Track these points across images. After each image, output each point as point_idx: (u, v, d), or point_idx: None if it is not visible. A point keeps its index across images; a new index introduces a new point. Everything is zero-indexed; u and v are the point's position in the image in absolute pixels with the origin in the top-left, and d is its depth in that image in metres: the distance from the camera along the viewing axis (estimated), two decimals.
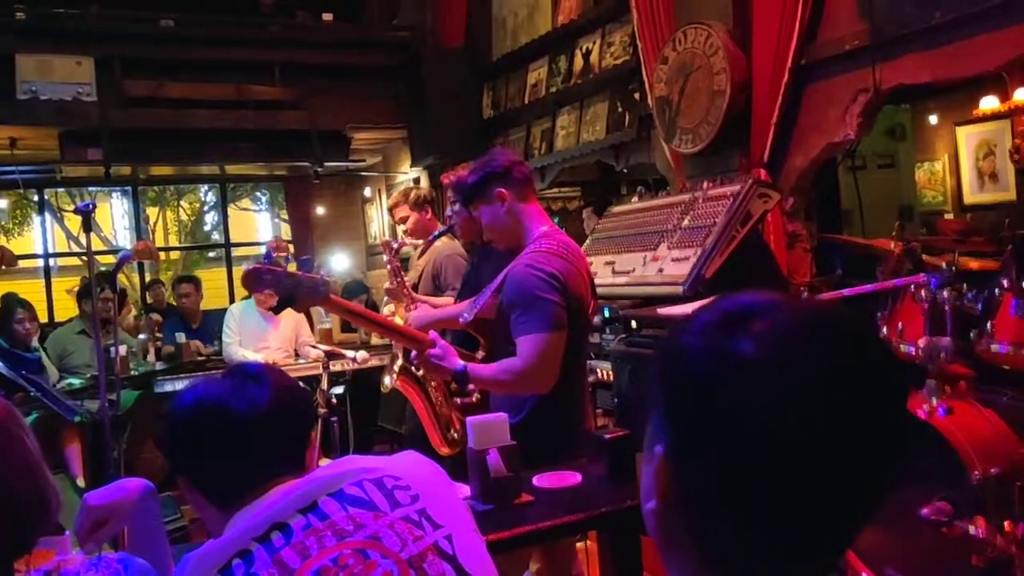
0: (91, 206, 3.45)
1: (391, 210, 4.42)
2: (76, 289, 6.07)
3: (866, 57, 3.46)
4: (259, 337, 5.35)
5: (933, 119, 7.98)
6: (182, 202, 16.42)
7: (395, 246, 3.61)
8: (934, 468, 2.80)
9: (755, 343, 0.66)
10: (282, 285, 2.36)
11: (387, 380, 2.88)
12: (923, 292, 3.00)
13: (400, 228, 4.37)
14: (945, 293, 2.95)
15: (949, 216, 7.45)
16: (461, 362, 2.44)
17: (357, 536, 1.18)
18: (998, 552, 2.54)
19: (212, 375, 1.38)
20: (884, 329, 3.22)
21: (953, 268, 3.05)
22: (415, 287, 3.95)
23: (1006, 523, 2.60)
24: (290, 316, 5.43)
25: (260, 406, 1.28)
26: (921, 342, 3.01)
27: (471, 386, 2.54)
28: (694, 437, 0.68)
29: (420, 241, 4.04)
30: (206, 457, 1.30)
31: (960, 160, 7.68)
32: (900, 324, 3.15)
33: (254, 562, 1.15)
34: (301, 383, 4.76)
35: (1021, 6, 2.93)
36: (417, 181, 7.44)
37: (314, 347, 4.50)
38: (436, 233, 3.72)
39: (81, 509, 1.44)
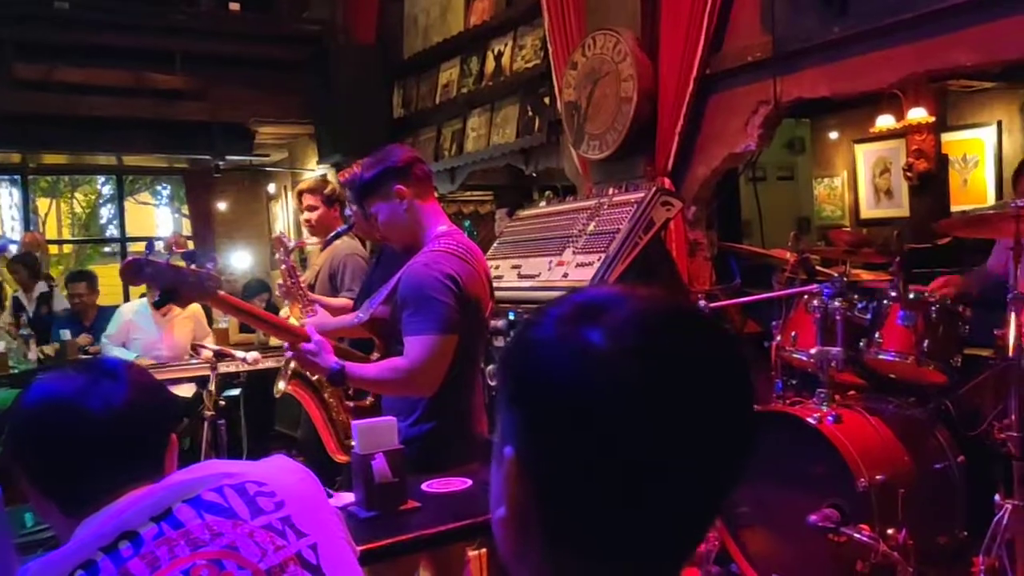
0: None
1: (300, 193, 4.25)
2: None
3: (768, 69, 3.52)
4: (152, 344, 5.10)
5: (832, 135, 8.25)
6: (76, 193, 15.73)
7: (290, 245, 3.48)
8: (823, 475, 2.85)
9: (606, 334, 0.64)
10: (164, 278, 2.23)
11: (280, 384, 2.77)
12: (815, 301, 3.06)
13: (303, 216, 4.22)
14: (837, 303, 3.01)
15: (844, 229, 7.70)
16: (336, 360, 2.32)
17: (213, 546, 1.10)
18: (881, 558, 2.60)
19: (65, 370, 1.27)
20: (779, 337, 3.28)
21: (844, 278, 3.11)
22: (311, 287, 3.83)
23: (890, 529, 2.67)
24: (187, 319, 5.19)
25: (115, 405, 1.19)
26: (813, 350, 3.08)
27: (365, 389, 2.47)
28: (544, 434, 0.65)
29: (315, 240, 3.92)
30: (52, 459, 1.20)
31: (858, 176, 7.97)
32: (793, 332, 3.21)
33: (98, 573, 1.07)
34: (193, 384, 4.58)
35: (916, 25, 3.02)
36: (324, 179, 7.29)
37: (203, 347, 4.31)
38: (336, 232, 3.62)
39: None
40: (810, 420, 2.87)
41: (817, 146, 8.48)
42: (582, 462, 0.63)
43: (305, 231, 4.27)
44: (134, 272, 2.27)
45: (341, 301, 3.75)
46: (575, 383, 0.63)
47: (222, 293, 2.43)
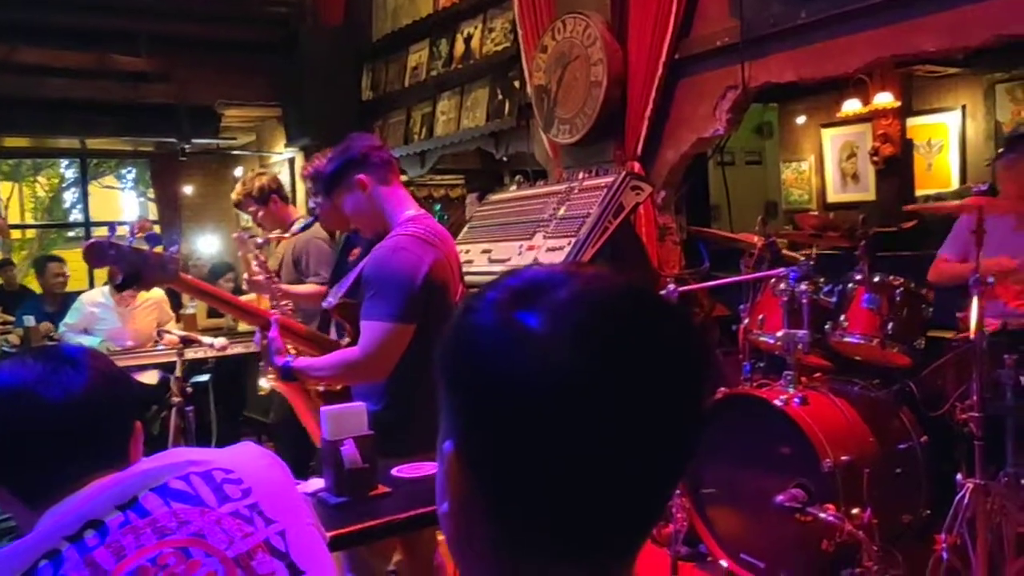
0: None
1: (238, 207, 4.28)
2: None
3: (735, 54, 3.53)
4: (115, 332, 5.00)
5: (800, 119, 8.32)
6: (39, 177, 15.44)
7: (258, 241, 3.44)
8: (789, 456, 2.90)
9: (543, 318, 0.60)
10: (126, 261, 2.20)
11: (263, 382, 2.76)
12: (782, 285, 3.10)
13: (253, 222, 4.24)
14: (803, 286, 3.05)
15: (811, 213, 7.79)
16: (286, 357, 2.35)
17: (180, 534, 1.10)
18: (847, 537, 2.64)
19: (22, 357, 1.24)
20: (746, 320, 3.31)
21: (811, 262, 3.15)
22: (276, 275, 3.82)
23: (855, 509, 2.71)
24: (151, 307, 5.10)
25: (75, 393, 1.17)
26: (779, 333, 3.11)
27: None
28: (483, 426, 0.62)
29: (280, 232, 3.88)
30: (12, 449, 1.17)
31: (824, 160, 8.04)
32: (761, 315, 3.25)
33: (63, 563, 1.05)
34: (159, 371, 4.53)
35: (881, 10, 3.04)
36: (292, 162, 7.23)
37: (170, 333, 4.26)
38: (302, 224, 3.59)
39: None
40: (777, 402, 2.91)
41: (785, 130, 8.55)
42: (522, 455, 0.60)
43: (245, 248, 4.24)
44: (97, 255, 2.24)
45: (309, 288, 3.74)
46: (512, 371, 0.60)
47: (185, 276, 2.42)
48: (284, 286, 3.69)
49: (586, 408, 0.59)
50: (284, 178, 7.42)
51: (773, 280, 3.18)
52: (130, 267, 2.24)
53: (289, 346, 2.46)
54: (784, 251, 3.48)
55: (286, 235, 3.74)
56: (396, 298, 2.23)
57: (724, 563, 3.08)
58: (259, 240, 3.44)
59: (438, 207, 7.61)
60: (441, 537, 2.67)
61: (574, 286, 0.63)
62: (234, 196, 4.22)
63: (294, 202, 7.19)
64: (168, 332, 4.19)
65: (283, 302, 3.21)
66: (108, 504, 1.11)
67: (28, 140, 8.32)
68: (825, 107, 7.63)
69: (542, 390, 0.59)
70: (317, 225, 3.88)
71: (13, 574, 1.05)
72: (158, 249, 2.39)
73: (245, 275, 3.90)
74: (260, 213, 4.12)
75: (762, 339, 3.24)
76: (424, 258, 2.28)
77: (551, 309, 0.61)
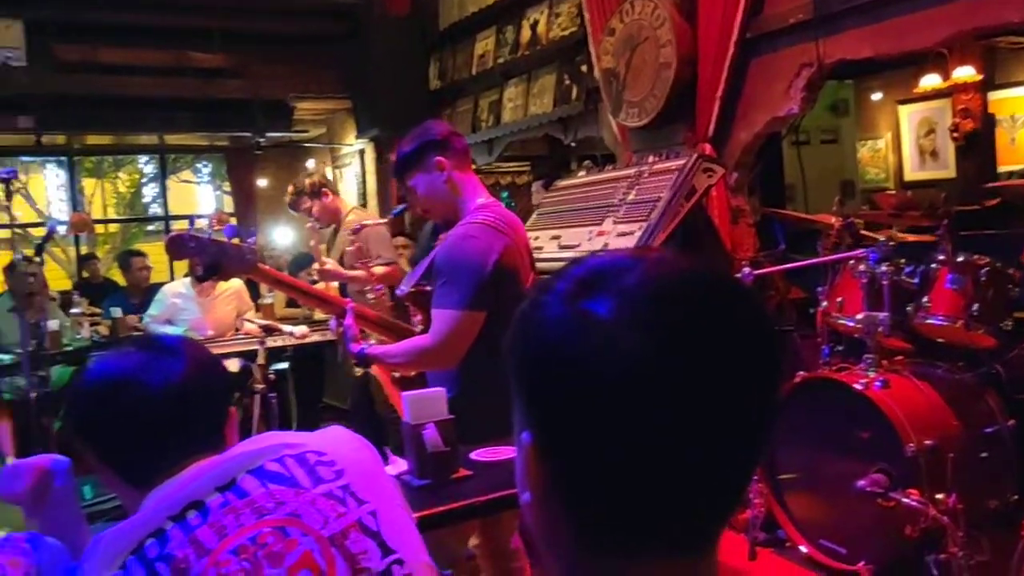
0: (13, 174, 3.30)
1: (293, 208, 4.51)
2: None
3: (810, 31, 3.46)
4: (196, 322, 5.16)
5: (876, 96, 8.09)
6: (120, 173, 15.95)
7: (356, 227, 3.53)
8: (870, 440, 2.84)
9: (611, 305, 0.60)
10: (207, 252, 2.28)
11: (356, 370, 2.83)
12: (862, 266, 3.03)
13: (310, 222, 4.46)
14: (883, 267, 2.98)
15: (889, 192, 7.58)
16: (361, 344, 2.40)
17: (277, 514, 1.14)
18: (931, 522, 2.59)
19: (125, 347, 1.31)
20: (825, 303, 3.25)
21: (891, 243, 3.08)
22: (340, 261, 4.03)
23: (939, 494, 2.65)
24: (230, 296, 5.26)
25: (174, 380, 1.22)
26: (859, 316, 3.05)
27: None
28: (555, 416, 0.62)
29: (376, 220, 4.03)
30: (117, 433, 1.23)
31: (902, 138, 7.81)
32: (840, 298, 3.19)
33: (168, 542, 1.10)
34: (240, 359, 4.66)
35: None
36: (362, 153, 7.33)
37: (251, 322, 4.39)
38: (398, 209, 3.68)
39: (12, 473, 1.37)
40: (857, 386, 2.86)
41: (860, 108, 8.32)
42: (596, 445, 0.59)
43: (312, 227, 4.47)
44: (178, 247, 2.32)
45: (384, 269, 3.89)
46: (582, 362, 0.59)
47: (262, 265, 2.49)
48: (354, 272, 3.89)
49: (658, 396, 0.58)
50: (355, 168, 7.54)
51: (852, 262, 3.12)
52: (210, 258, 2.32)
53: (372, 336, 2.52)
54: (863, 231, 3.40)
55: (383, 221, 3.87)
56: (466, 286, 2.25)
57: (804, 549, 3.05)
58: (356, 226, 3.53)
59: (505, 194, 7.63)
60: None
61: (641, 272, 0.62)
62: (288, 198, 4.45)
63: (365, 191, 7.32)
64: (249, 321, 4.33)
65: (375, 286, 3.29)
66: (209, 486, 1.16)
67: (110, 138, 8.62)
68: (902, 83, 7.40)
69: (613, 379, 0.58)
70: (366, 212, 4.02)
71: (123, 551, 1.11)
72: (236, 241, 2.47)
73: (315, 264, 4.07)
74: (315, 208, 4.36)
75: (841, 322, 3.19)
76: (494, 246, 2.29)
77: (619, 296, 0.60)
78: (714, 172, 3.51)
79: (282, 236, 8.50)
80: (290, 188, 4.49)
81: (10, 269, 5.34)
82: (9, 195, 3.20)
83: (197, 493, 1.15)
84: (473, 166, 2.83)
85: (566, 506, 0.64)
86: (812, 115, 5.18)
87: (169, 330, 4.97)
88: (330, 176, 8.06)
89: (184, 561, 1.09)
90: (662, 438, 0.59)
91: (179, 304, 5.15)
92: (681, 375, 0.58)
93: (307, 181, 4.45)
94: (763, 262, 3.63)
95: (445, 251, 2.34)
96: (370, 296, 3.16)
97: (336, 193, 4.60)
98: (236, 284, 5.22)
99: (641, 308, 0.60)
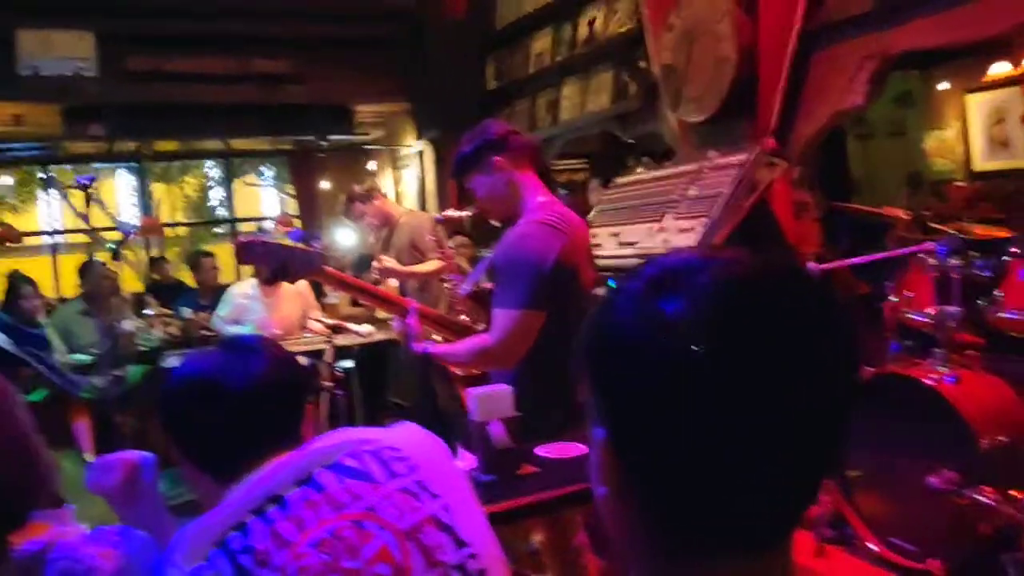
0: (91, 180, 3.43)
1: (348, 216, 4.77)
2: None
3: (873, 22, 3.40)
4: (263, 322, 5.28)
5: (943, 86, 7.88)
6: (187, 178, 16.38)
7: (438, 217, 3.59)
8: (942, 437, 2.79)
9: (683, 305, 0.60)
10: (275, 257, 2.35)
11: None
12: (931, 260, 2.97)
13: (367, 227, 4.72)
14: (954, 261, 2.92)
15: (959, 184, 7.39)
16: (424, 343, 2.44)
17: (353, 508, 1.18)
18: (1005, 520, 2.53)
19: (209, 348, 1.37)
20: (893, 298, 3.19)
21: (962, 236, 3.01)
22: (398, 261, 4.19)
23: (1014, 491, 2.59)
24: (295, 296, 5.38)
25: (255, 379, 1.27)
26: (929, 310, 2.99)
27: None
28: (628, 414, 0.63)
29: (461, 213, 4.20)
30: (201, 431, 1.29)
31: (970, 127, 7.60)
32: (909, 292, 3.13)
33: (250, 534, 1.14)
34: (306, 357, 4.76)
35: None
36: (422, 154, 7.41)
37: (319, 321, 4.50)
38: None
39: (103, 468, 1.43)
40: (928, 381, 2.80)
41: (927, 98, 8.12)
42: (668, 444, 0.60)
43: (374, 235, 4.76)
44: (247, 252, 2.40)
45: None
46: (651, 361, 0.60)
47: (328, 268, 2.55)
48: (411, 268, 4.10)
49: (731, 395, 0.58)
50: (414, 169, 7.63)
51: (921, 255, 3.06)
52: (278, 263, 2.38)
53: (436, 336, 2.56)
54: (932, 224, 3.33)
55: (467, 213, 3.98)
56: (525, 286, 2.26)
57: (873, 546, 3.00)
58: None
59: (563, 192, 7.63)
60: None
61: (713, 271, 0.62)
62: (341, 207, 4.66)
63: (424, 191, 7.40)
64: (317, 320, 4.44)
65: (452, 279, 3.34)
66: (287, 480, 1.20)
67: (177, 144, 8.86)
68: (970, 71, 7.19)
69: (682, 379, 0.59)
70: (416, 209, 4.14)
71: (207, 543, 1.15)
72: (302, 244, 2.54)
73: (374, 264, 4.19)
74: (368, 212, 4.58)
75: (910, 316, 3.13)
76: (553, 245, 2.29)
77: (690, 297, 0.60)
78: (777, 166, 3.48)
79: (344, 237, 8.63)
80: (343, 198, 4.69)
81: (84, 273, 5.55)
82: (89, 201, 3.32)
83: (277, 487, 1.19)
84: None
85: (638, 502, 0.65)
86: (877, 107, 5.08)
87: (236, 329, 5.10)
88: (390, 178, 8.19)
89: (265, 553, 1.13)
90: (731, 437, 0.59)
91: (246, 304, 5.27)
92: (751, 375, 0.59)
93: (357, 189, 4.67)
94: (828, 257, 3.57)
95: (504, 251, 2.36)
96: (447, 285, 3.22)
97: (386, 197, 4.79)
98: (300, 283, 5.33)
99: (712, 309, 0.60)
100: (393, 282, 4.60)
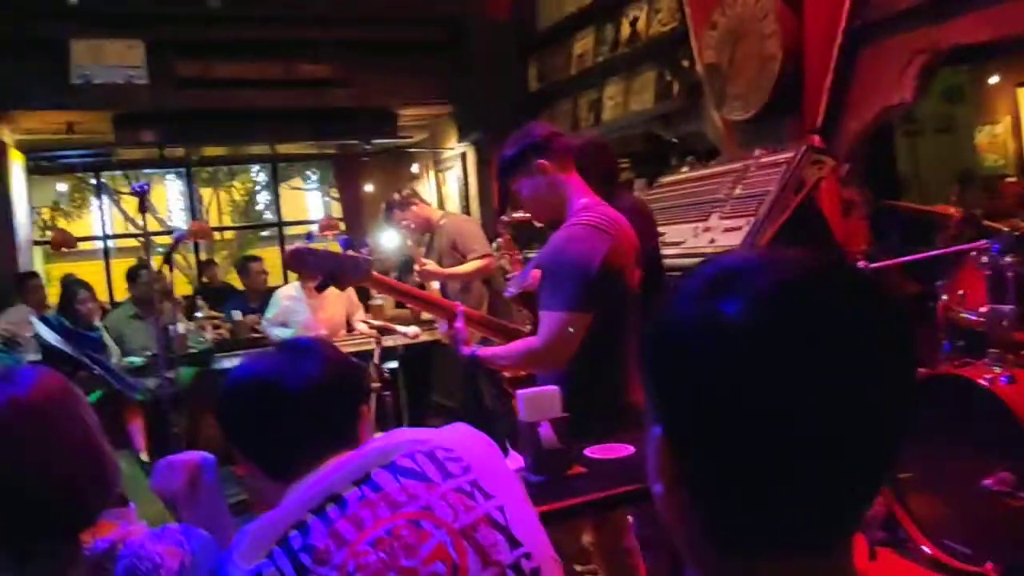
0: (146, 187, 3.51)
1: (389, 223, 4.88)
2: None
3: (922, 17, 3.35)
4: (308, 323, 5.35)
5: (993, 80, 7.71)
6: (234, 182, 16.64)
7: (505, 219, 3.58)
8: (996, 438, 2.74)
9: (741, 306, 0.60)
10: (324, 265, 2.38)
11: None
12: (985, 258, 2.92)
13: (407, 232, 4.82)
14: (1008, 259, 2.87)
15: (1011, 180, 7.22)
16: (471, 347, 2.45)
17: (410, 507, 1.19)
18: None
19: (267, 350, 1.40)
20: (945, 296, 3.15)
21: (1016, 233, 2.95)
22: (440, 263, 4.25)
23: None
24: (339, 297, 5.44)
25: (313, 380, 1.30)
26: (983, 309, 2.94)
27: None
28: (685, 413, 0.63)
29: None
30: (260, 432, 1.32)
31: (1022, 122, 7.43)
32: (961, 291, 3.08)
33: (310, 533, 1.17)
34: (354, 359, 4.82)
35: None
36: (464, 157, 7.45)
37: (366, 323, 4.57)
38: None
39: (167, 469, 1.47)
40: (982, 381, 2.76)
41: (977, 93, 7.95)
42: (725, 443, 0.61)
43: (414, 239, 4.85)
44: (298, 260, 2.44)
45: (473, 265, 4.37)
46: (709, 360, 0.60)
47: (376, 274, 2.57)
48: (452, 270, 4.24)
49: (788, 395, 0.58)
50: (457, 172, 7.67)
51: (974, 253, 3.01)
52: (327, 270, 2.42)
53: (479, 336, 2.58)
54: (984, 221, 3.27)
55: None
56: (572, 288, 2.26)
57: (926, 549, 2.96)
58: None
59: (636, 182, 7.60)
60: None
61: (774, 272, 0.62)
62: (382, 215, 4.74)
63: (467, 193, 7.43)
64: (364, 322, 4.51)
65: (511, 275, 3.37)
66: (345, 480, 1.22)
67: (224, 149, 9.00)
68: (1021, 65, 7.04)
69: (740, 379, 0.59)
70: (456, 212, 4.18)
71: (269, 542, 1.18)
72: (351, 251, 2.57)
73: (416, 267, 4.25)
74: (408, 218, 4.65)
75: (963, 316, 3.08)
76: (598, 247, 2.28)
77: (751, 297, 0.60)
78: (823, 164, 3.44)
79: (388, 240, 8.71)
80: (383, 206, 4.78)
81: (133, 277, 5.67)
82: (144, 207, 3.40)
83: (335, 487, 1.21)
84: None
85: (694, 500, 0.65)
86: (926, 103, 5.00)
87: (283, 331, 5.18)
88: (432, 180, 8.23)
89: (325, 552, 1.15)
90: (789, 438, 0.59)
91: (291, 306, 5.35)
92: (809, 376, 0.59)
93: (396, 196, 4.77)
94: (878, 256, 3.53)
95: (550, 253, 2.37)
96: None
97: (424, 202, 4.88)
98: None
99: (771, 309, 0.60)
100: (434, 285, 4.64)
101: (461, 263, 4.41)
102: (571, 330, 2.27)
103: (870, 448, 0.62)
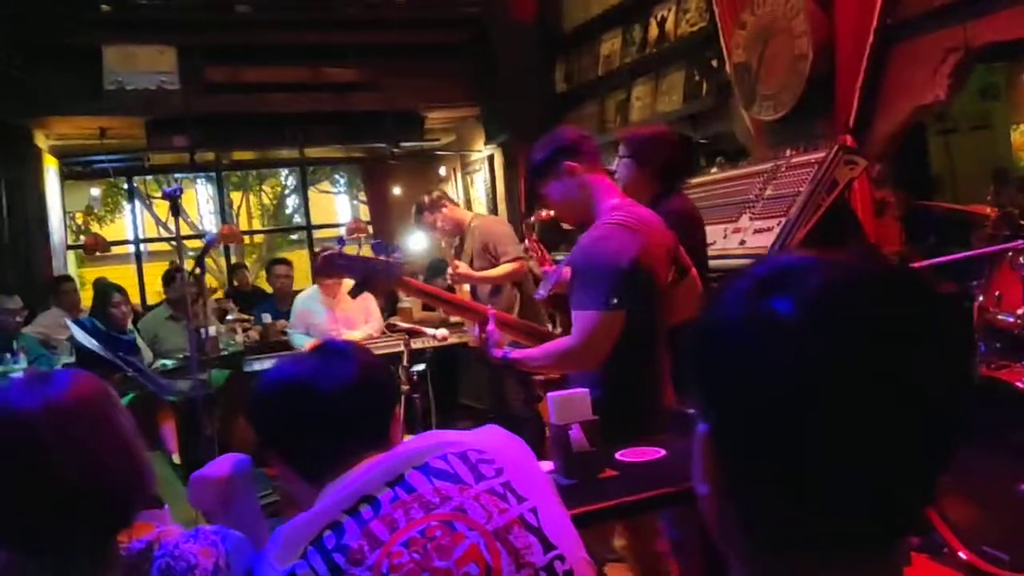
0: (178, 191, 3.55)
1: (419, 225, 4.81)
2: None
3: (956, 14, 3.31)
4: (327, 324, 5.35)
5: None
6: (264, 186, 16.77)
7: (531, 220, 3.54)
8: None
9: (792, 306, 0.60)
10: (356, 270, 2.39)
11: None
12: (1021, 259, 2.88)
13: (440, 236, 4.80)
14: None
15: None
16: (503, 350, 2.44)
17: (443, 508, 1.20)
18: None
19: (299, 353, 1.41)
20: (981, 298, 3.10)
21: None
22: (470, 266, 4.24)
23: None
24: (354, 302, 5.42)
25: (346, 383, 1.30)
26: (1020, 311, 2.90)
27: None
28: (732, 412, 0.63)
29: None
30: (295, 433, 1.32)
31: None
32: (997, 292, 3.04)
33: (344, 533, 1.17)
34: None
35: None
36: (491, 159, 7.45)
37: (395, 325, 4.58)
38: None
39: (202, 485, 1.48)
40: (1019, 384, 2.71)
41: (1013, 91, 7.83)
42: (772, 444, 0.60)
43: (445, 241, 4.83)
44: (329, 265, 2.45)
45: (505, 268, 4.33)
46: (762, 361, 0.60)
47: (407, 278, 2.58)
48: (485, 273, 4.26)
49: (840, 397, 0.58)
50: (484, 174, 7.68)
51: (1011, 254, 2.96)
52: (359, 274, 2.43)
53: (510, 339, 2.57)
54: (1020, 221, 3.22)
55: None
56: (604, 287, 2.25)
57: (962, 555, 2.91)
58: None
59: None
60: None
61: (825, 273, 0.62)
62: (412, 217, 4.71)
63: (495, 195, 7.44)
64: (396, 325, 4.53)
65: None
66: (379, 481, 1.23)
67: (254, 153, 9.09)
68: None
69: (793, 380, 0.59)
70: (487, 214, 4.15)
71: (303, 542, 1.19)
72: (382, 256, 2.57)
73: (449, 270, 4.24)
74: (439, 220, 4.60)
75: (1000, 317, 3.03)
76: (628, 246, 2.28)
77: (801, 297, 0.60)
78: (856, 164, 3.41)
79: (416, 243, 8.73)
80: (413, 208, 4.75)
81: (169, 280, 5.73)
82: (176, 211, 3.44)
83: (368, 488, 1.22)
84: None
85: (741, 500, 0.65)
86: (960, 101, 4.93)
87: (303, 339, 5.18)
88: (460, 183, 8.25)
89: (359, 552, 1.16)
90: (837, 438, 0.58)
91: (309, 307, 5.37)
92: (865, 377, 0.58)
93: (426, 198, 4.70)
94: (912, 256, 3.48)
95: (581, 253, 2.36)
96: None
97: (455, 203, 4.82)
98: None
99: (821, 310, 0.60)
100: (464, 287, 4.64)
101: (493, 265, 4.39)
102: (606, 328, 2.25)
103: (923, 449, 0.61)
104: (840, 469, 0.59)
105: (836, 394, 0.58)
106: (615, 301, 2.25)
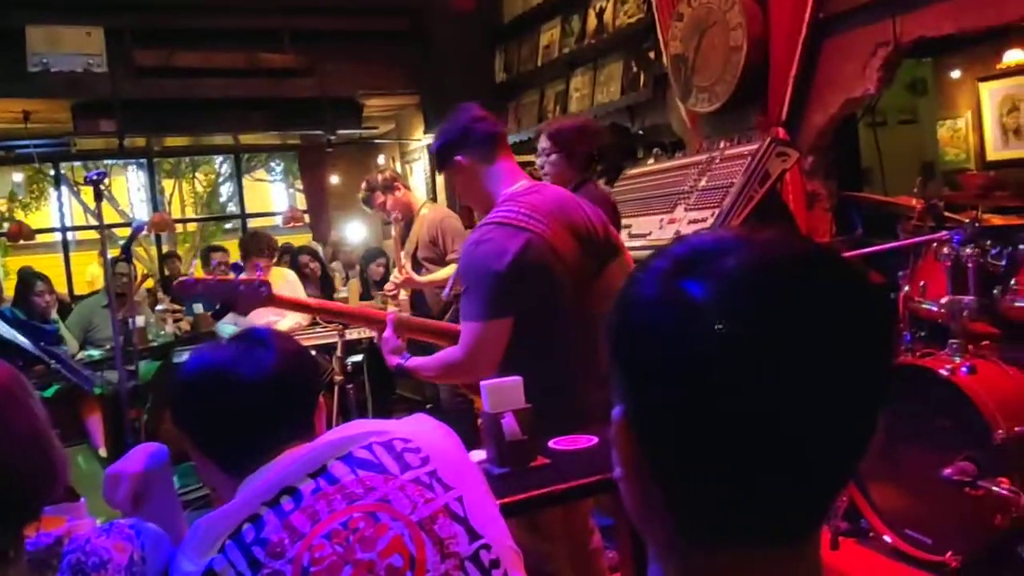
0: (102, 175, 3.43)
1: (367, 203, 4.58)
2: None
3: (886, 9, 3.38)
4: (253, 318, 5.24)
5: (955, 74, 7.81)
6: (197, 174, 16.42)
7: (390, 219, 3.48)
8: (957, 428, 2.77)
9: (706, 286, 0.58)
10: (215, 293, 2.33)
11: None
12: (945, 249, 2.95)
13: (389, 217, 4.52)
14: (968, 250, 2.90)
15: (973, 172, 7.32)
16: (399, 358, 2.37)
17: (367, 499, 1.17)
18: (1021, 512, 2.51)
19: (220, 341, 1.36)
20: (906, 287, 3.17)
21: (976, 224, 2.98)
22: (414, 255, 4.10)
23: None
24: (282, 286, 5.29)
25: (266, 371, 1.26)
26: (943, 300, 2.97)
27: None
28: (647, 394, 0.61)
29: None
30: (213, 423, 1.28)
31: (983, 116, 7.53)
32: (922, 282, 3.11)
33: (264, 526, 1.14)
34: (316, 351, 4.76)
35: None
36: (431, 148, 7.39)
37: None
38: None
39: (113, 481, 1.42)
40: (943, 372, 2.78)
41: (939, 86, 8.05)
42: (682, 423, 0.59)
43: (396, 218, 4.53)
44: (186, 291, 2.41)
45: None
46: (676, 343, 0.58)
47: (278, 295, 2.50)
48: (432, 277, 4.02)
49: (754, 379, 0.56)
50: (423, 163, 7.62)
51: (935, 244, 3.04)
52: (219, 299, 2.38)
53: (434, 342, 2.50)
54: (946, 213, 3.30)
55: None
56: (484, 296, 2.15)
57: (888, 539, 2.98)
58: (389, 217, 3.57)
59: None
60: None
61: (743, 253, 0.60)
62: (361, 194, 4.54)
63: (434, 185, 7.38)
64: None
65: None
66: (301, 472, 1.19)
67: (187, 139, 8.87)
68: (983, 59, 7.13)
69: (702, 360, 0.57)
70: (444, 206, 4.06)
71: (221, 535, 1.15)
72: (244, 276, 2.52)
73: (393, 276, 4.13)
74: (389, 202, 4.42)
75: (924, 307, 3.10)
76: (507, 246, 2.14)
77: (715, 279, 0.59)
78: (788, 156, 3.45)
79: (354, 232, 8.64)
80: (363, 185, 4.57)
81: (108, 268, 5.56)
82: (99, 197, 3.32)
83: (290, 479, 1.19)
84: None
85: (655, 485, 0.63)
86: (889, 95, 5.04)
87: (228, 328, 5.07)
88: (399, 172, 8.17)
89: (279, 545, 1.13)
90: (753, 422, 0.57)
91: None
92: (781, 360, 0.57)
93: (379, 177, 4.52)
94: (841, 247, 3.55)
95: (463, 258, 2.28)
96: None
97: (408, 187, 4.67)
98: (290, 276, 5.32)
99: (737, 292, 0.58)
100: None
101: (439, 257, 4.25)
102: (491, 338, 2.16)
103: (840, 438, 0.60)
104: (753, 456, 0.58)
105: (749, 379, 0.57)
106: (495, 310, 2.15)
